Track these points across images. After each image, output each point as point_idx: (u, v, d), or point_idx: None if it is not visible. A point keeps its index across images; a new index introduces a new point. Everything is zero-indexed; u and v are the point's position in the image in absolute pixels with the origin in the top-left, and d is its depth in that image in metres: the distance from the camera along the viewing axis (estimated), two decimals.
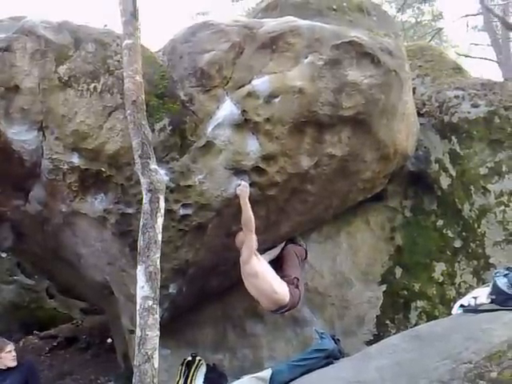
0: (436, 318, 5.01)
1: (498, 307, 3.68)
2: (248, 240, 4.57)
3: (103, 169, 4.62)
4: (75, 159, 4.63)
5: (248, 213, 4.54)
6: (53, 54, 4.59)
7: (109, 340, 7.66)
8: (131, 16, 4.41)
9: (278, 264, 5.03)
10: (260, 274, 4.57)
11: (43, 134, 4.66)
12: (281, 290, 4.60)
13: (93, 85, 4.58)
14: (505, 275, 3.83)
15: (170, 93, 4.69)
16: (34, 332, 8.92)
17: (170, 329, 5.00)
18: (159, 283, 3.77)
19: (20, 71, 4.56)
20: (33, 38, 4.59)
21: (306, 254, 5.43)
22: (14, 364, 5.12)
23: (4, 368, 5.08)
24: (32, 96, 4.57)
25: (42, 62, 4.57)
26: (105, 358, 7.49)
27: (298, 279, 4.84)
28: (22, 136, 4.65)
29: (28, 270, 9.54)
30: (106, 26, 5.36)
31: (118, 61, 4.56)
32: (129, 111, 4.14)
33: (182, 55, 4.77)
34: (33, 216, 5.17)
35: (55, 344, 8.31)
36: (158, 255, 3.79)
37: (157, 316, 3.66)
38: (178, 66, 4.77)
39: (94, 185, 4.73)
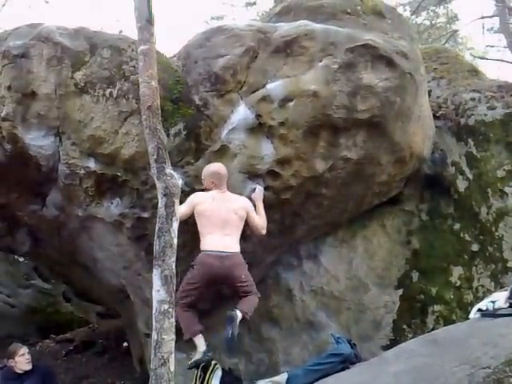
0: (453, 322, 4.94)
1: None
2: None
3: (119, 173, 4.66)
4: (91, 164, 4.67)
5: (264, 216, 4.59)
6: (69, 60, 4.64)
7: (125, 344, 7.69)
8: (146, 22, 4.42)
9: None
10: None
11: (60, 140, 4.71)
12: None
13: (108, 90, 4.62)
14: None
15: (185, 97, 4.72)
16: (51, 336, 8.98)
17: None
18: (175, 287, 3.78)
19: (37, 77, 4.62)
20: (49, 44, 4.65)
21: None
22: (29, 367, 5.13)
23: (20, 372, 5.11)
24: (49, 102, 4.62)
25: (58, 68, 4.62)
26: (121, 361, 7.51)
27: None
28: (38, 141, 4.70)
29: (45, 274, 9.64)
30: (121, 31, 5.40)
31: (134, 66, 4.59)
32: (144, 116, 4.15)
33: (196, 60, 4.79)
34: (49, 220, 5.22)
35: (72, 348, 8.34)
36: (174, 259, 3.80)
37: (173, 320, 3.66)
38: (192, 70, 4.79)
39: (110, 189, 4.77)
